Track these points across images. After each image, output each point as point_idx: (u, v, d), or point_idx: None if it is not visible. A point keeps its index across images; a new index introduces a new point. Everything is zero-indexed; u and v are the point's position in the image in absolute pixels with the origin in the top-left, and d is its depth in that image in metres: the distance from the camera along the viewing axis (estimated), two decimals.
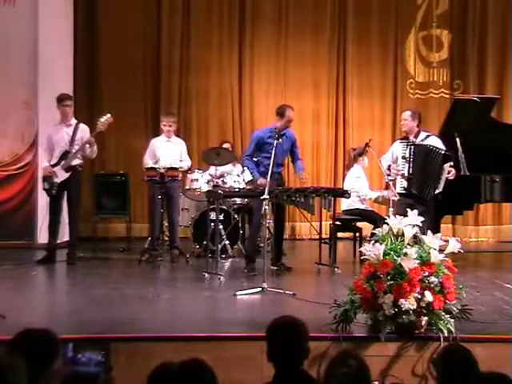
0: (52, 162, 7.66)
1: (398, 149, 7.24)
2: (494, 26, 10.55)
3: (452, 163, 7.14)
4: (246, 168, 7.80)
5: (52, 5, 8.95)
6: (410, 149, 7.01)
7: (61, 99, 7.72)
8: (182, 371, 2.54)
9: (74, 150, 7.63)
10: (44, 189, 7.71)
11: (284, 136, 7.26)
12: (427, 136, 7.26)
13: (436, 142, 7.21)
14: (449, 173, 7.09)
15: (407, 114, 7.33)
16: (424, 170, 6.97)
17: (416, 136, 7.22)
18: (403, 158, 7.05)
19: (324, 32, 10.54)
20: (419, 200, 6.85)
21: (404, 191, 7.02)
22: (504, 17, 10.46)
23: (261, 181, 7.09)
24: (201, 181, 8.47)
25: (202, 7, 10.33)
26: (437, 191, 7.02)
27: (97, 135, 7.75)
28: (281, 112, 7.35)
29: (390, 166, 7.26)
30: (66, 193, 7.67)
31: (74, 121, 7.78)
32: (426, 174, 6.98)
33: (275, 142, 6.79)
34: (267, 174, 6.63)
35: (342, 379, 2.73)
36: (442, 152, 6.99)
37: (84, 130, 7.76)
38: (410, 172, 6.97)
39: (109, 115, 7.72)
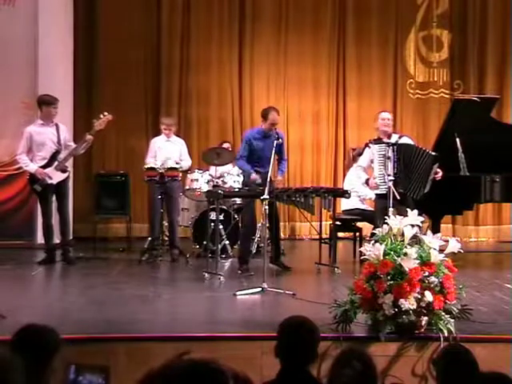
0: (41, 164, 7.52)
1: (375, 151, 6.96)
2: (494, 26, 10.54)
3: (438, 164, 7.02)
4: (239, 168, 7.80)
5: (52, 5, 8.95)
6: (393, 149, 6.74)
7: (51, 102, 7.56)
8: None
9: (65, 150, 7.59)
10: (36, 192, 7.59)
11: (273, 137, 7.04)
12: (400, 136, 7.15)
13: (410, 142, 7.15)
14: (436, 173, 6.99)
15: (390, 115, 7.21)
16: (411, 170, 6.78)
17: (389, 137, 7.01)
18: (387, 158, 6.67)
19: (324, 31, 10.54)
20: (401, 202, 6.54)
21: (384, 192, 6.68)
22: (504, 17, 10.46)
23: (253, 176, 7.18)
24: (201, 181, 8.48)
25: (202, 6, 10.33)
26: (425, 191, 6.90)
27: (95, 133, 7.69)
28: (264, 114, 7.31)
29: (367, 179, 7.05)
30: (56, 193, 7.59)
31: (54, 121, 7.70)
32: (414, 173, 6.82)
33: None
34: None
35: (346, 380, 2.72)
36: (433, 154, 6.91)
37: (65, 130, 7.74)
38: (395, 171, 6.75)
39: (106, 113, 7.67)
